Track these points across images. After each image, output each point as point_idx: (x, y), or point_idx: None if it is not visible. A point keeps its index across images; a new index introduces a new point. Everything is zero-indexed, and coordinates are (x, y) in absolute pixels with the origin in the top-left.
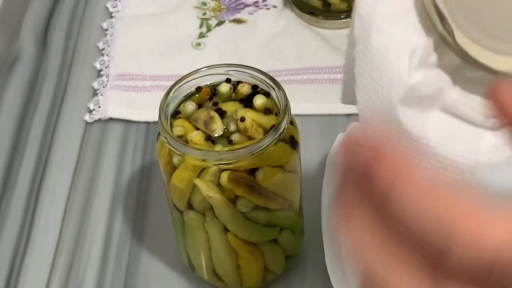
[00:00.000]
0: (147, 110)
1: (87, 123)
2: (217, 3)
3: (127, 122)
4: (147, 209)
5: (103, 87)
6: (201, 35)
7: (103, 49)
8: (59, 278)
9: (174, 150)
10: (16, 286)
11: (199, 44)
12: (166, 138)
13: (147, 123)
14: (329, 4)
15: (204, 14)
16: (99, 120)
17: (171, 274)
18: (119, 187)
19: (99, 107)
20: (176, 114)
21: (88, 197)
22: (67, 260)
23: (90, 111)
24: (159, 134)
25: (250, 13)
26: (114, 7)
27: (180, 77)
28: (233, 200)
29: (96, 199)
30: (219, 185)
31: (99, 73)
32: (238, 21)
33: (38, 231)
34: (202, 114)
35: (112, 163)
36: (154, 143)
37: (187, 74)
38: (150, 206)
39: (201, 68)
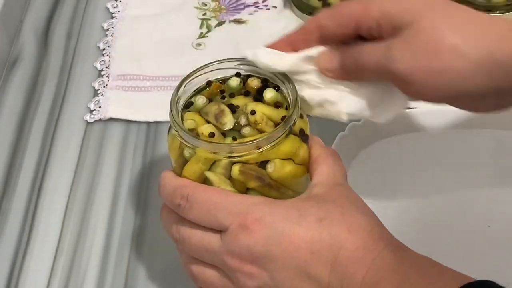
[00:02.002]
0: (147, 110)
1: (87, 123)
2: (217, 3)
3: (128, 122)
4: (147, 209)
5: (104, 87)
6: (202, 36)
7: (104, 49)
8: (59, 278)
9: (185, 143)
10: (17, 285)
11: (199, 44)
12: (178, 132)
13: (148, 123)
14: (329, 5)
15: (205, 14)
16: (100, 120)
17: (172, 274)
18: (119, 187)
19: (100, 107)
20: (186, 107)
21: (89, 196)
22: (68, 260)
23: (91, 111)
24: (169, 128)
25: (250, 14)
26: (114, 7)
27: (187, 74)
28: (244, 193)
29: (97, 199)
30: (230, 177)
31: (99, 73)
32: (238, 22)
33: (39, 231)
34: (213, 108)
35: (113, 163)
36: (155, 143)
37: (198, 68)
38: (150, 205)
39: (212, 62)
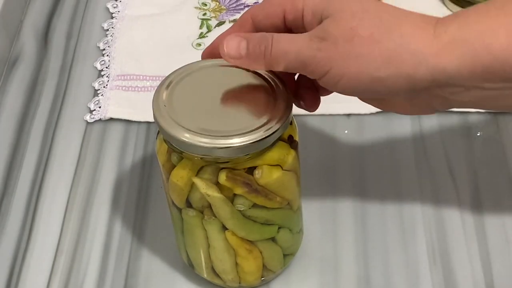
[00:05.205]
0: (147, 110)
1: (87, 123)
2: (217, 3)
3: (128, 122)
4: (147, 209)
5: (104, 87)
6: (202, 36)
7: (104, 49)
8: (59, 278)
9: (173, 148)
10: (17, 285)
11: (199, 45)
12: None
13: (148, 123)
14: None
15: (205, 14)
16: (100, 120)
17: (171, 273)
18: (119, 187)
19: (100, 107)
20: None
21: (89, 197)
22: (68, 259)
23: (91, 111)
24: (158, 131)
25: None
26: (114, 7)
27: None
28: (231, 198)
29: (97, 199)
30: (217, 183)
31: (99, 73)
32: None
33: (39, 231)
34: None
35: (113, 163)
36: (155, 143)
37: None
38: (150, 205)
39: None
